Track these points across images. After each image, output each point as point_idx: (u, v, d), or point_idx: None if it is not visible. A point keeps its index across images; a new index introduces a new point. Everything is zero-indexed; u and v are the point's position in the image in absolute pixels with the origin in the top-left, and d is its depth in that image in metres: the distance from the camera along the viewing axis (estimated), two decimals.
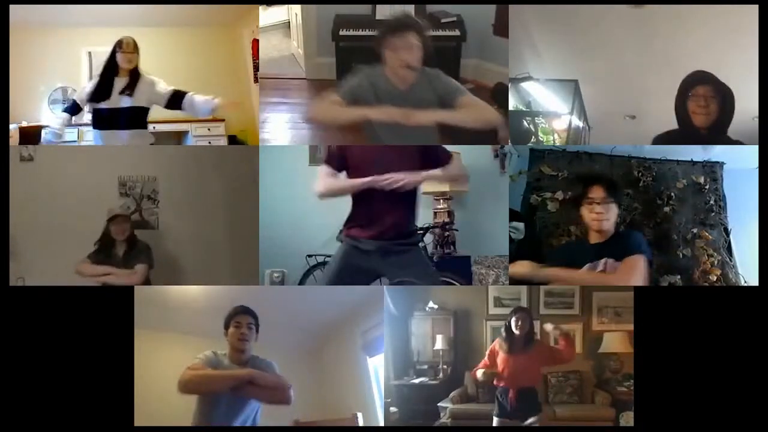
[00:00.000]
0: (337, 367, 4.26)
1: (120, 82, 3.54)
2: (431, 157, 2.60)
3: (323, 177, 2.60)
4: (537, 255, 3.44)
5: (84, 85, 4.88)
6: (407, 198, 2.58)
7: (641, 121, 3.66)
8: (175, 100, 3.66)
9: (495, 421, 2.91)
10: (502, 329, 2.96)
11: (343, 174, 2.61)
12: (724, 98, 2.82)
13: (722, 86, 2.84)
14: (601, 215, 2.60)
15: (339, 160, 2.61)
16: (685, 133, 2.88)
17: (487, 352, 3.00)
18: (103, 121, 3.58)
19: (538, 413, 2.87)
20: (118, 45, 3.53)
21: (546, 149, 3.61)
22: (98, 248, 3.45)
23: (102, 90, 3.54)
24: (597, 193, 2.62)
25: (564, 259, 2.68)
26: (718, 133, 2.86)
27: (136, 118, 3.60)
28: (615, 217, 2.64)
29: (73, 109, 3.70)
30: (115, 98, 3.53)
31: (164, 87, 3.65)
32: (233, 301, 2.56)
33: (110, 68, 3.55)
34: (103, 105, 3.54)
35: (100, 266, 3.39)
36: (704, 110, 2.80)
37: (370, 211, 2.56)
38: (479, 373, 2.96)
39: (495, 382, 2.92)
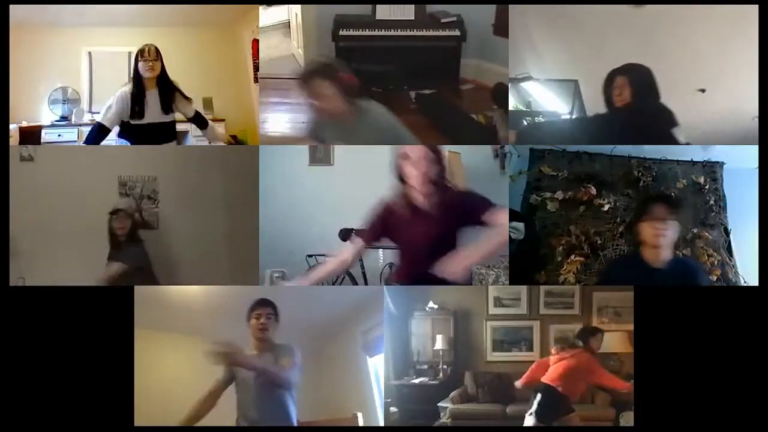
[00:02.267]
0: (337, 367, 4.26)
1: (151, 96, 3.48)
2: (471, 208, 2.38)
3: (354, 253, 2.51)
4: (536, 257, 3.47)
5: (85, 88, 4.94)
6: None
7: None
8: (198, 122, 3.75)
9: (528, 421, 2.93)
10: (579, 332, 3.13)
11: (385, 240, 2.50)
12: (639, 82, 3.11)
13: (636, 74, 3.12)
14: (662, 231, 2.58)
15: (376, 232, 2.47)
16: (612, 115, 3.19)
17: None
18: (132, 131, 3.51)
19: (570, 413, 2.92)
20: (140, 54, 3.46)
21: (546, 149, 3.61)
22: (111, 247, 3.56)
23: (137, 110, 3.45)
24: (660, 211, 2.60)
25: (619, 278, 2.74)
26: (641, 107, 3.11)
27: (168, 130, 3.62)
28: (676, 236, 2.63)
29: (99, 136, 3.48)
30: (150, 115, 3.48)
31: (189, 103, 3.66)
32: (233, 301, 2.57)
33: (138, 83, 3.46)
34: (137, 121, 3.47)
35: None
36: (620, 97, 3.13)
37: None
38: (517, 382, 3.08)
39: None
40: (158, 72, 3.49)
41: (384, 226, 2.44)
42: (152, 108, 3.48)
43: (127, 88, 3.48)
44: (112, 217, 3.61)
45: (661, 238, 2.57)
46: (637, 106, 3.10)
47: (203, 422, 2.60)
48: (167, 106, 3.54)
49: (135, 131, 3.50)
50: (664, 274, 2.59)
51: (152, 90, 3.49)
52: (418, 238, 2.36)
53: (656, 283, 2.61)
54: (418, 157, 2.31)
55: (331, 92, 2.76)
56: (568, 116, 3.67)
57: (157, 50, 3.49)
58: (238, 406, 2.62)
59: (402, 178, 2.37)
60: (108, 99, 3.53)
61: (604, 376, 3.05)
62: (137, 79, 3.47)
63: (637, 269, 2.62)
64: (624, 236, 3.44)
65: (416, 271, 2.38)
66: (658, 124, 3.10)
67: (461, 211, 2.36)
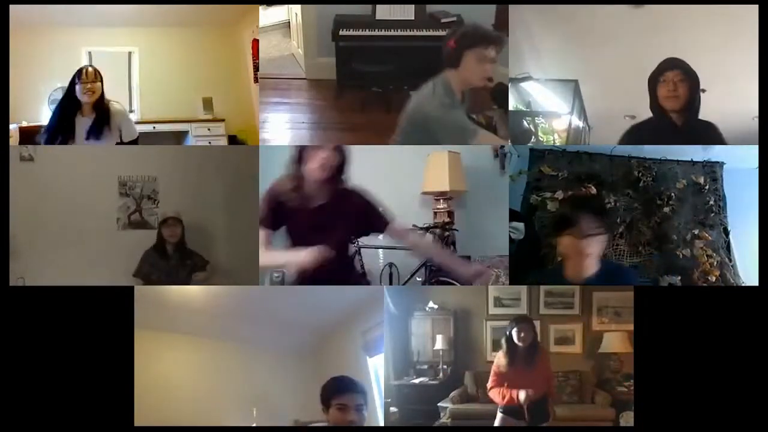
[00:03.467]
0: (337, 367, 4.26)
1: (82, 122, 3.24)
2: (369, 222, 2.46)
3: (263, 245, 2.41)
4: (536, 257, 3.46)
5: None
6: None
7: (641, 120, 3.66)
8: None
9: (498, 418, 2.87)
10: (503, 340, 2.87)
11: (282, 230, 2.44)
12: (692, 81, 2.82)
13: (690, 70, 2.84)
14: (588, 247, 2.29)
15: (273, 218, 2.40)
16: (658, 121, 2.88)
17: (493, 370, 2.89)
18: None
19: (547, 420, 2.87)
20: (77, 75, 3.22)
21: (546, 149, 3.61)
22: (153, 248, 3.61)
23: (61, 131, 3.23)
24: (583, 225, 2.30)
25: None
26: (689, 116, 2.85)
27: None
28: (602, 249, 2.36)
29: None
30: (79, 139, 3.26)
31: (133, 126, 3.46)
32: (233, 301, 2.54)
33: (70, 105, 3.22)
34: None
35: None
36: (673, 94, 2.81)
37: None
38: (521, 395, 2.76)
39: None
40: (98, 95, 3.25)
41: (275, 215, 2.39)
42: (79, 136, 3.25)
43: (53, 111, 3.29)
44: (161, 226, 3.65)
45: (586, 257, 2.29)
46: (693, 107, 2.82)
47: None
48: (99, 132, 3.27)
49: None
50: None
51: (87, 116, 3.25)
52: (307, 231, 2.35)
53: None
54: (324, 149, 2.34)
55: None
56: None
57: (96, 72, 3.25)
58: None
59: (300, 162, 2.36)
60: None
61: None
62: (71, 100, 3.22)
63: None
64: (624, 236, 3.45)
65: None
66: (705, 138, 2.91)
67: (352, 211, 2.40)
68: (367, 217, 2.45)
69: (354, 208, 2.42)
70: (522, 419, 2.82)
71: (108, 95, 3.42)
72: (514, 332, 2.81)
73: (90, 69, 3.27)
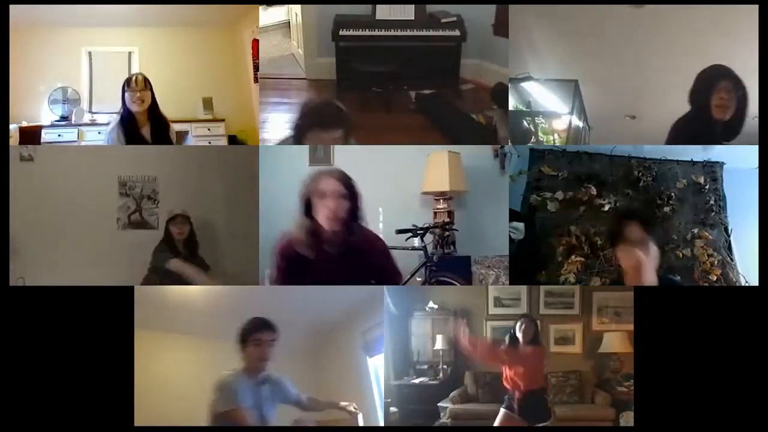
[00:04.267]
0: (337, 367, 4.26)
1: (144, 133, 3.23)
2: (387, 276, 2.41)
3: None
4: (536, 257, 3.46)
5: (85, 88, 4.89)
6: None
7: (641, 121, 3.66)
8: None
9: (501, 413, 2.92)
10: (506, 337, 2.98)
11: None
12: (743, 92, 2.84)
13: (740, 82, 2.86)
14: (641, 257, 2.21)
15: (289, 272, 2.31)
16: (703, 123, 2.87)
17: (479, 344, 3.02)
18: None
19: (548, 419, 2.89)
20: (126, 84, 3.17)
21: (546, 149, 3.61)
22: (163, 242, 3.54)
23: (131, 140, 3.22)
24: (635, 232, 2.23)
25: None
26: (736, 126, 2.86)
27: None
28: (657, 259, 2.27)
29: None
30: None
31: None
32: (233, 301, 2.54)
33: (128, 120, 3.18)
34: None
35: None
36: (727, 103, 2.81)
37: None
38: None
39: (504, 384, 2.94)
40: (149, 103, 3.21)
41: (289, 267, 2.29)
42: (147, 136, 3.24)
43: (114, 125, 3.23)
44: (168, 223, 3.57)
45: (642, 266, 2.21)
46: (737, 120, 2.82)
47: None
48: (161, 141, 3.28)
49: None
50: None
51: (144, 126, 3.22)
52: (323, 278, 2.26)
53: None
54: (330, 192, 2.18)
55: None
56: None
57: (145, 79, 3.19)
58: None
59: (309, 213, 2.23)
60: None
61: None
62: (127, 115, 3.18)
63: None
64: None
65: None
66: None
67: (369, 261, 2.30)
68: (384, 271, 2.37)
69: (375, 259, 2.33)
70: (523, 421, 2.84)
71: (108, 95, 3.42)
72: (518, 326, 2.92)
73: (140, 77, 3.19)
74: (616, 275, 2.76)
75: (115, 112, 3.35)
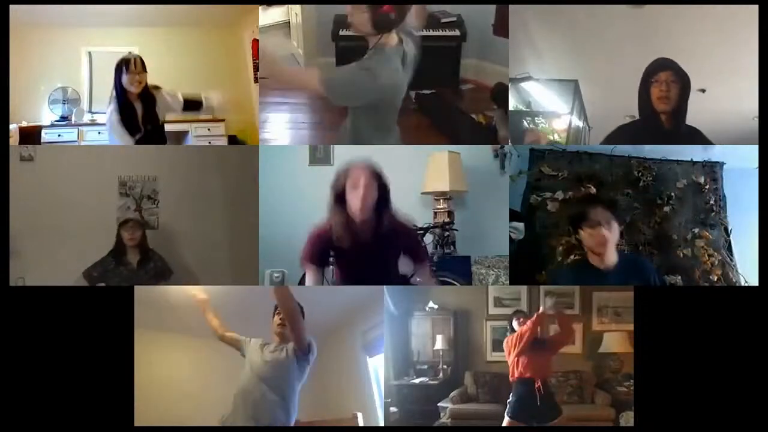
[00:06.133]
0: (337, 367, 4.26)
1: (138, 109, 3.26)
2: (415, 253, 2.51)
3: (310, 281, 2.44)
4: (536, 257, 3.46)
5: (85, 88, 4.88)
6: None
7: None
8: (193, 106, 3.60)
9: (505, 421, 2.90)
10: (508, 332, 3.04)
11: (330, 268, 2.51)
12: (684, 84, 2.87)
13: (682, 72, 2.88)
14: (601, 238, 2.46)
15: (321, 257, 2.42)
16: (646, 122, 2.93)
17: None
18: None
19: (558, 416, 2.88)
20: (125, 66, 3.19)
21: (546, 149, 3.61)
22: (110, 254, 3.52)
23: (133, 127, 3.25)
24: (598, 214, 2.48)
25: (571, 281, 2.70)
26: (677, 120, 2.90)
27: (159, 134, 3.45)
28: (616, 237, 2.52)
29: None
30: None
31: (174, 97, 3.47)
32: (233, 301, 2.55)
33: (123, 100, 3.21)
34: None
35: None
36: (666, 94, 2.86)
37: None
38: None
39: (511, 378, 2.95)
40: (144, 84, 3.25)
41: (323, 255, 2.40)
42: (143, 119, 3.28)
43: (112, 110, 3.25)
44: (120, 228, 3.56)
45: (602, 245, 2.47)
46: (681, 109, 2.88)
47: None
48: (150, 117, 3.31)
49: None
50: (616, 275, 2.51)
51: (137, 104, 3.27)
52: (357, 266, 2.39)
53: (608, 283, 2.55)
54: (361, 183, 2.26)
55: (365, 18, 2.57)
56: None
57: (142, 61, 3.24)
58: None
59: (342, 204, 2.31)
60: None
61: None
62: (122, 96, 3.22)
63: (588, 273, 2.56)
64: (623, 235, 3.43)
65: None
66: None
67: (399, 244, 2.42)
68: (414, 250, 2.49)
69: (403, 242, 2.44)
70: (534, 419, 2.84)
71: (108, 95, 3.43)
72: (515, 323, 3.01)
73: (138, 59, 3.22)
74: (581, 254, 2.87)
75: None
